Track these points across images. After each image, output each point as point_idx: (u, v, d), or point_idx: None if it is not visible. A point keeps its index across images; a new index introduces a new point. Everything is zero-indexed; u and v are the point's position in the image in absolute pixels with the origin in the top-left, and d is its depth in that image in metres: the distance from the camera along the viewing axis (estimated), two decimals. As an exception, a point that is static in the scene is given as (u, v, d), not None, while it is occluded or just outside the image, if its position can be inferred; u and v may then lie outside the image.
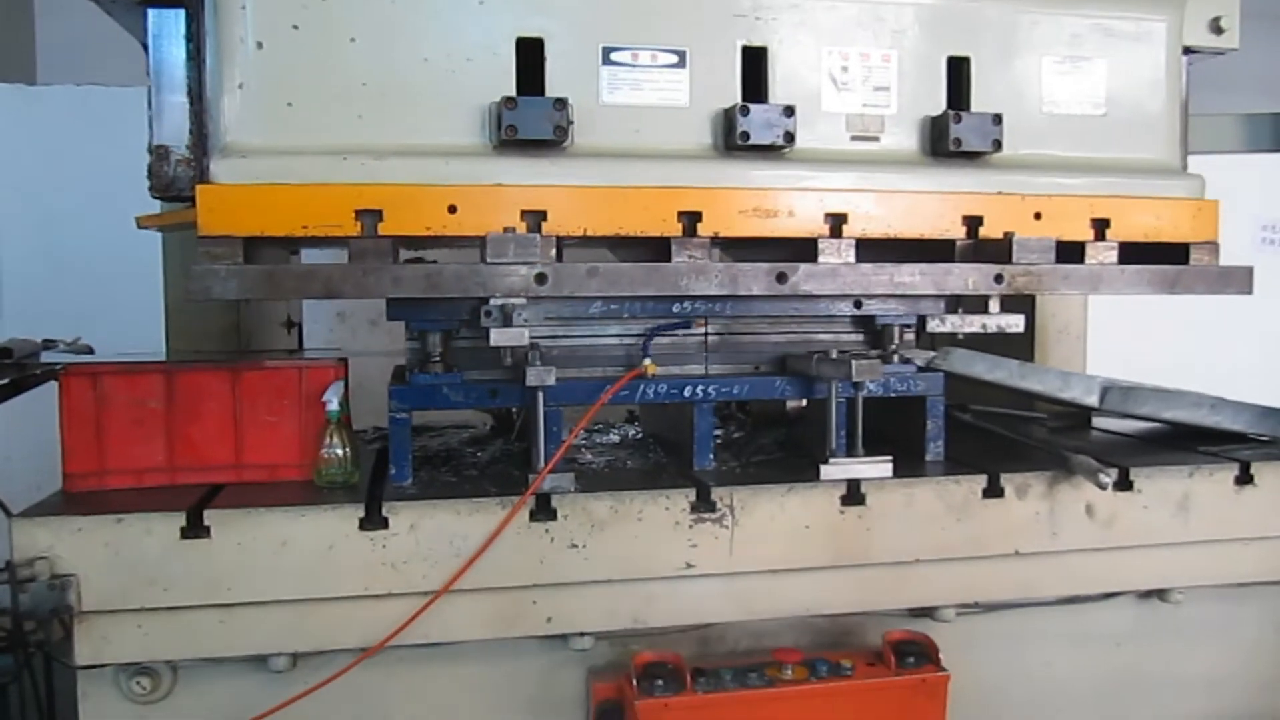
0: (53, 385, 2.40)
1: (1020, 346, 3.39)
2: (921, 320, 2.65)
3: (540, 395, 2.35)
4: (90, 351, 2.76)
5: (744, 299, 2.52)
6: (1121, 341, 4.34)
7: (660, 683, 2.28)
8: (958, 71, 2.53)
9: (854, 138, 2.48)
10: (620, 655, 2.44)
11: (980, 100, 2.52)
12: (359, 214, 2.19)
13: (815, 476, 2.42)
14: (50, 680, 3.23)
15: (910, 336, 2.74)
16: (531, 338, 2.29)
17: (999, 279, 2.45)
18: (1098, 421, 3.21)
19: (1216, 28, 2.71)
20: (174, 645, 2.19)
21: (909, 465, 2.55)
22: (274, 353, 3.25)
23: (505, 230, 2.21)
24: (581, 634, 2.37)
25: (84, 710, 2.25)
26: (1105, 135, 2.63)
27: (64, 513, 2.17)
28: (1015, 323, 2.56)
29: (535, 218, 2.26)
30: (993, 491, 2.49)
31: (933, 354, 2.78)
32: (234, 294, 2.14)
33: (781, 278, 2.35)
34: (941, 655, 2.42)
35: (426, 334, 2.46)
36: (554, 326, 2.55)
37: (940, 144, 2.48)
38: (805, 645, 2.51)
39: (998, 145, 2.47)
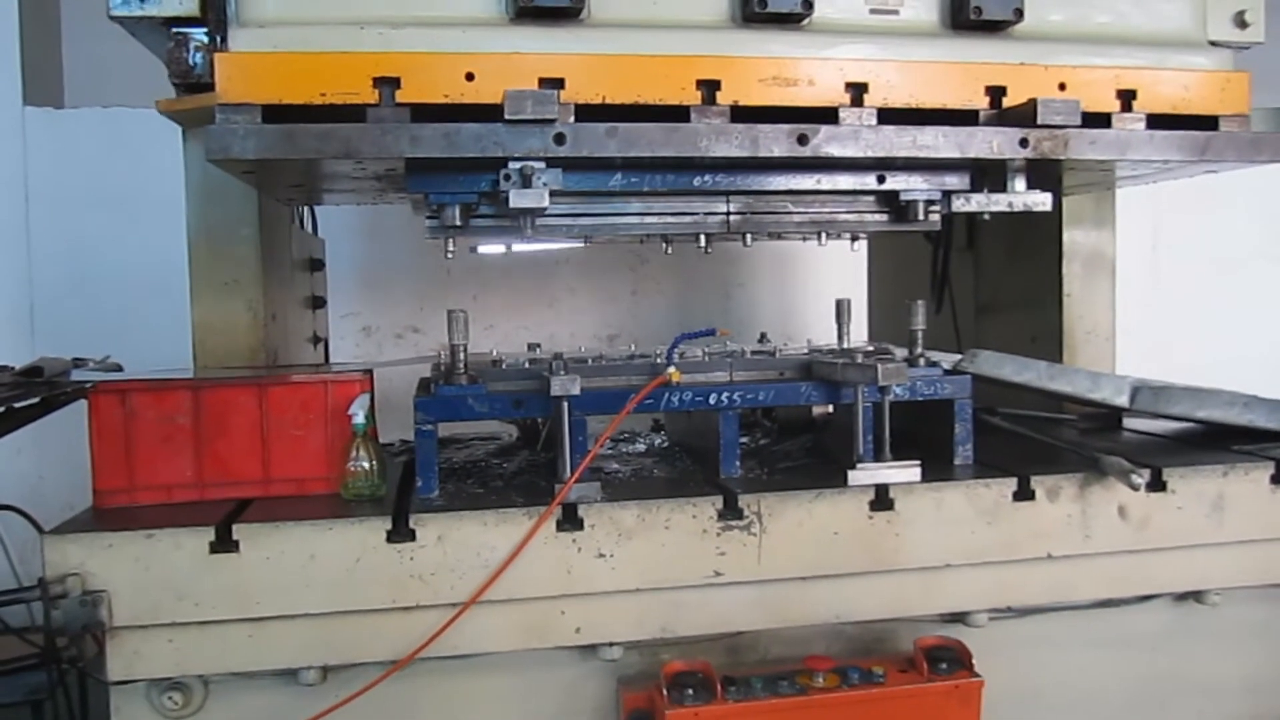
0: (83, 404, 2.42)
1: (1049, 349, 3.36)
2: (946, 198, 2.60)
3: (565, 405, 2.35)
4: (119, 369, 2.79)
5: (766, 170, 2.50)
6: (1151, 343, 4.31)
7: (690, 692, 2.27)
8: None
9: (873, 10, 2.46)
10: (650, 664, 2.43)
11: None
12: (377, 82, 2.20)
13: (843, 482, 2.40)
14: (84, 696, 3.26)
15: (935, 215, 2.67)
16: (551, 213, 2.28)
17: (1024, 143, 2.38)
18: (1129, 422, 3.17)
19: (1241, 21, 2.68)
20: (204, 660, 2.20)
21: (938, 469, 2.52)
22: (300, 367, 3.27)
23: (523, 93, 2.21)
24: (610, 644, 2.36)
25: (117, 726, 2.26)
26: (1130, 7, 2.59)
27: (95, 529, 2.18)
28: (1042, 201, 2.51)
29: (553, 85, 2.25)
30: (1023, 494, 2.46)
31: (960, 357, 2.76)
32: (252, 152, 2.12)
33: (803, 139, 2.29)
34: (975, 661, 2.39)
35: (445, 207, 2.40)
36: (574, 203, 2.53)
37: (960, 14, 2.45)
38: (836, 652, 2.49)
39: (1019, 15, 2.44)
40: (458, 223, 2.40)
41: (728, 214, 2.62)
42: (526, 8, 2.24)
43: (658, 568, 2.31)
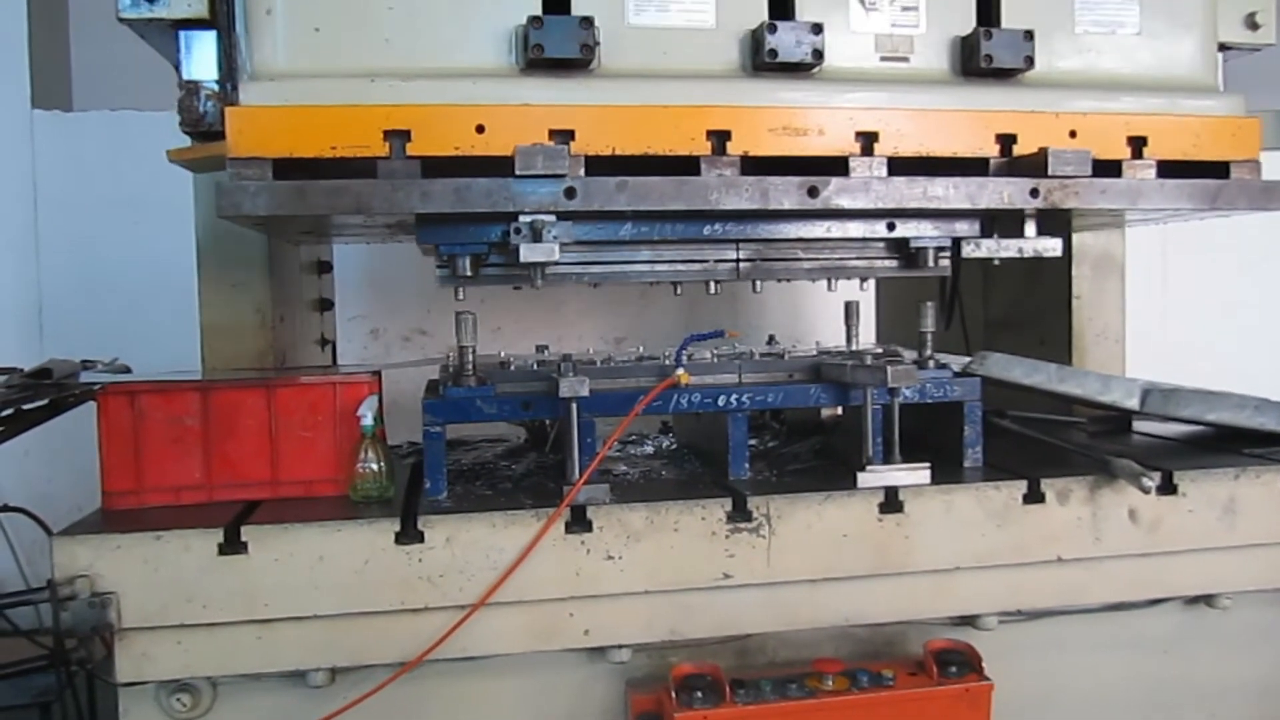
0: (92, 406, 2.42)
1: (1058, 351, 3.35)
2: (956, 244, 2.60)
3: (574, 407, 2.35)
4: (128, 371, 2.79)
5: (775, 218, 2.49)
6: (1162, 345, 4.29)
7: (699, 694, 2.27)
8: (987, -10, 2.50)
9: (883, 58, 2.46)
10: (658, 667, 2.42)
11: (1011, 18, 2.49)
12: (387, 134, 2.19)
13: (852, 484, 2.40)
14: (92, 698, 3.26)
15: (945, 262, 2.67)
16: (561, 261, 2.28)
17: (1034, 193, 2.38)
18: (1139, 425, 3.16)
19: (1252, 23, 2.69)
20: (213, 661, 2.20)
21: (947, 472, 2.51)
22: (308, 369, 3.27)
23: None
24: (619, 646, 2.35)
25: (126, 728, 2.26)
26: (1140, 53, 2.59)
27: (103, 531, 2.18)
28: (1053, 246, 2.51)
29: (563, 137, 2.25)
30: (1033, 497, 2.45)
31: (969, 359, 2.76)
32: (264, 209, 2.13)
33: (813, 191, 2.31)
34: (984, 664, 2.38)
35: (456, 258, 2.41)
36: (584, 251, 2.53)
37: (971, 62, 2.45)
38: (845, 655, 2.48)
39: (1030, 62, 2.44)
40: (468, 273, 2.41)
41: (737, 260, 2.63)
42: (537, 59, 2.24)
43: (666, 570, 2.30)
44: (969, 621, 2.52)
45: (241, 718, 2.28)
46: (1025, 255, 2.51)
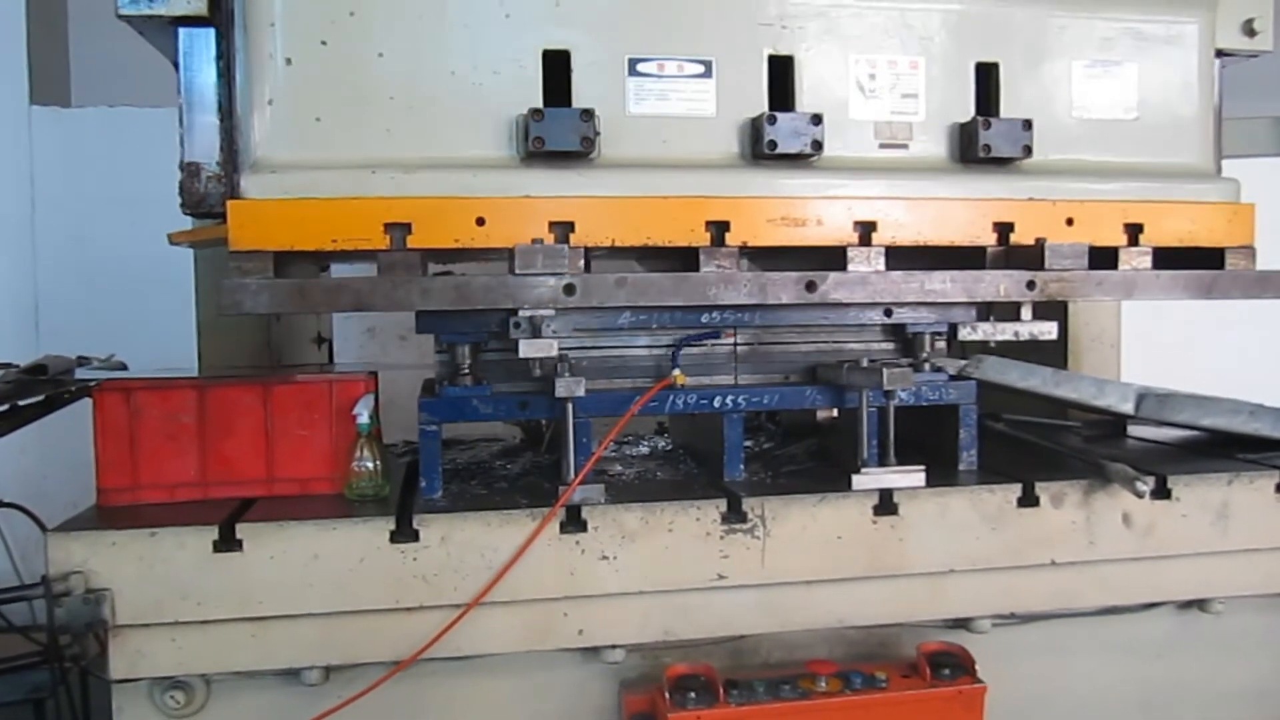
0: (87, 402, 2.42)
1: (1054, 354, 3.35)
2: (953, 328, 2.63)
3: (570, 407, 2.35)
4: (124, 368, 2.79)
5: (773, 309, 2.52)
6: (1156, 349, 4.29)
7: (693, 695, 2.27)
8: (986, 77, 2.51)
9: (882, 145, 2.47)
10: (652, 667, 2.42)
11: (1009, 106, 2.51)
12: (388, 227, 2.20)
13: (847, 486, 2.40)
14: (86, 695, 3.25)
15: (941, 344, 2.72)
16: (560, 349, 2.30)
17: (1031, 285, 2.42)
18: (1133, 430, 3.17)
19: (1250, 30, 2.68)
20: (207, 659, 2.20)
21: (942, 475, 2.51)
22: (305, 368, 3.27)
23: (533, 241, 2.22)
24: (613, 646, 2.35)
25: (119, 724, 2.26)
26: (1137, 140, 2.60)
27: (98, 527, 2.18)
28: (1048, 330, 2.53)
29: (563, 229, 2.27)
30: (1028, 500, 2.46)
31: (965, 362, 2.76)
32: (265, 308, 2.15)
33: (811, 286, 2.34)
34: (978, 667, 2.39)
35: (455, 346, 2.47)
36: (582, 338, 2.56)
37: (970, 150, 2.47)
38: (839, 657, 2.48)
39: (1028, 151, 2.46)
40: (468, 361, 2.46)
41: (735, 345, 2.66)
42: (537, 151, 2.24)
43: (661, 570, 2.30)
44: (963, 624, 2.52)
45: (235, 715, 2.28)
46: (1021, 338, 2.52)
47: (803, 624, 2.43)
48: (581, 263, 2.26)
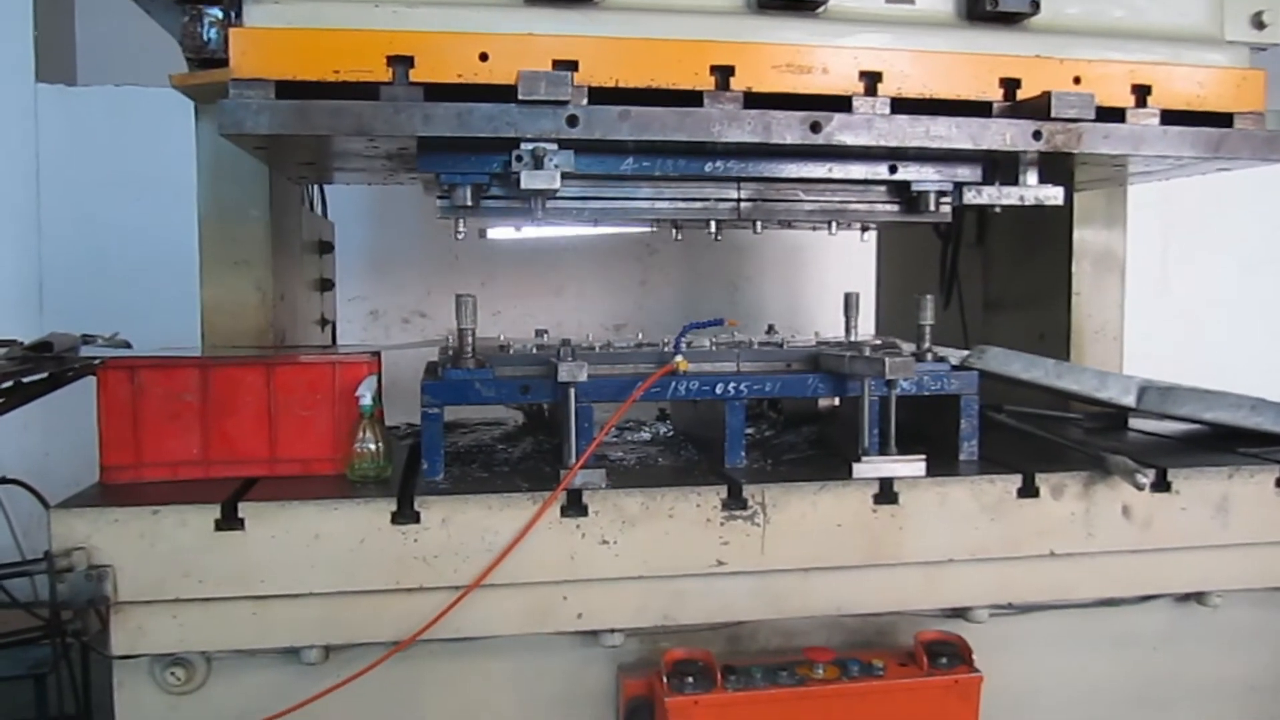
0: (91, 380, 2.43)
1: (1056, 347, 3.36)
2: (959, 190, 2.61)
3: (572, 391, 2.35)
4: (128, 346, 2.79)
5: (777, 155, 2.50)
6: (1159, 343, 4.29)
7: (690, 680, 2.28)
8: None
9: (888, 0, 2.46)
10: (650, 652, 2.44)
11: None
12: (390, 60, 2.20)
13: (848, 475, 2.41)
14: (87, 670, 3.27)
15: (946, 207, 2.68)
16: (561, 195, 2.28)
17: (1037, 135, 2.38)
18: (1135, 422, 3.17)
19: (1259, 22, 2.67)
20: (208, 636, 2.22)
21: (943, 464, 2.52)
22: (308, 348, 3.27)
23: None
24: (612, 630, 2.37)
25: (119, 700, 2.27)
26: (1146, 1, 2.58)
27: (101, 504, 2.19)
28: (1054, 195, 2.51)
29: (567, 67, 2.25)
30: (1028, 491, 2.46)
31: (967, 353, 2.76)
32: (266, 127, 2.13)
33: (816, 127, 2.30)
34: (975, 656, 2.40)
35: (456, 187, 2.41)
36: (584, 186, 2.54)
37: (977, 6, 2.46)
38: (837, 644, 2.49)
39: (1036, 7, 2.45)
40: (469, 203, 2.41)
41: (738, 200, 2.63)
42: None
43: (661, 556, 2.31)
44: (960, 614, 2.53)
45: (235, 693, 2.29)
46: (1027, 203, 2.50)
47: (801, 611, 2.44)
48: (585, 101, 2.25)
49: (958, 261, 3.82)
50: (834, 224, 2.78)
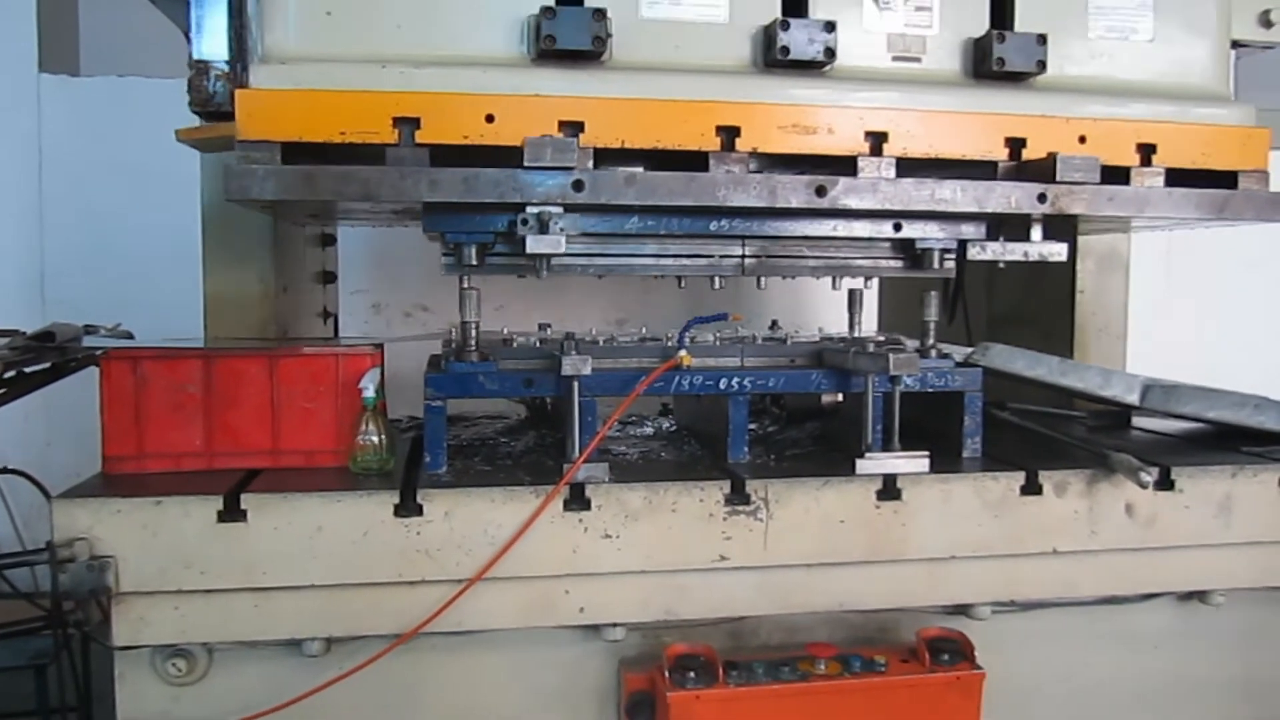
0: (93, 371, 2.42)
1: (1060, 345, 3.35)
2: (962, 246, 2.61)
3: (575, 385, 2.35)
4: (130, 337, 2.79)
5: (782, 216, 2.50)
6: (1162, 342, 4.29)
7: (692, 675, 2.28)
8: (1001, -8, 2.50)
9: (895, 58, 2.46)
10: (652, 646, 2.43)
11: (1025, 20, 2.49)
12: (397, 121, 2.19)
13: (851, 471, 2.40)
14: (88, 661, 3.28)
15: (950, 263, 2.69)
16: (566, 253, 2.28)
17: (1042, 198, 2.39)
18: (1138, 421, 3.16)
19: (1266, 21, 2.67)
20: (209, 628, 2.21)
21: (946, 461, 2.52)
22: (311, 340, 3.27)
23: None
24: (614, 624, 2.36)
25: (121, 691, 2.27)
26: (1152, 60, 2.59)
27: (103, 494, 2.18)
28: (1058, 251, 2.51)
29: (573, 129, 2.25)
30: (1031, 489, 2.46)
31: (971, 350, 2.76)
32: (271, 194, 2.13)
33: (821, 191, 2.31)
34: (977, 653, 2.40)
35: (462, 247, 2.43)
36: (589, 243, 2.54)
37: (983, 65, 2.45)
38: (839, 640, 2.49)
39: (1042, 66, 2.45)
40: (474, 262, 2.43)
41: (743, 257, 2.64)
42: (548, 50, 2.23)
43: (663, 550, 2.31)
44: (963, 610, 2.53)
45: (236, 684, 2.29)
46: (1030, 259, 2.51)
47: (803, 607, 2.44)
48: (591, 162, 2.25)
49: (963, 271, 3.81)
50: (837, 278, 2.78)
